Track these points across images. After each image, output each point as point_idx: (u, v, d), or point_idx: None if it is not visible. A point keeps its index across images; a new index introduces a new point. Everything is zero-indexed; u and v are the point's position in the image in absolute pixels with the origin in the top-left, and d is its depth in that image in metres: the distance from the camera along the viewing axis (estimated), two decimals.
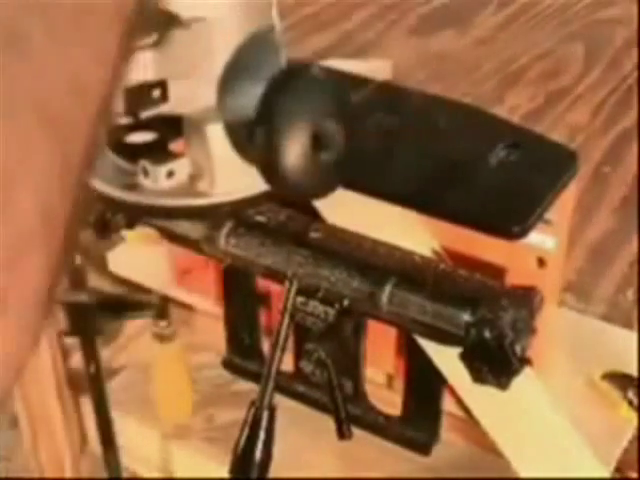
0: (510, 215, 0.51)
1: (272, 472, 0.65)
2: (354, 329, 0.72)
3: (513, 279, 0.66)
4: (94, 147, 0.31)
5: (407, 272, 0.56)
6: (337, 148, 0.47)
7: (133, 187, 0.53)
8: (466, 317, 0.60)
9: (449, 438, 0.79)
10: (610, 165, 1.29)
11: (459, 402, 0.74)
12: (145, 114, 0.50)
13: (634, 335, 0.85)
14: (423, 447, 0.77)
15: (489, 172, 0.50)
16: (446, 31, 1.73)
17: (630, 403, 0.77)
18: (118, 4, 0.32)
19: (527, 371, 0.61)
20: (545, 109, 1.45)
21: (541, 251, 0.66)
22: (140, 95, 0.49)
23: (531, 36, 1.69)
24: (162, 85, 0.50)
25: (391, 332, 0.74)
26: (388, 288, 0.62)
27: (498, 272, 0.67)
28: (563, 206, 0.65)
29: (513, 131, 0.53)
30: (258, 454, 0.64)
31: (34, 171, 0.29)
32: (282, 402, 0.68)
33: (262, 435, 0.64)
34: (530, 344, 0.60)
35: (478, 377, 0.59)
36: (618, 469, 0.76)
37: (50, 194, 0.29)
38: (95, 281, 0.93)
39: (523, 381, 0.61)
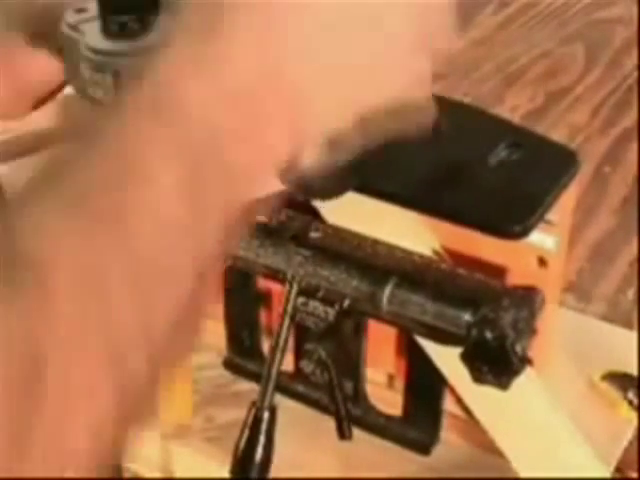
0: (511, 215, 0.51)
1: (272, 472, 0.65)
2: (354, 329, 0.72)
3: (514, 279, 0.66)
4: (153, 389, 0.34)
5: (407, 272, 0.56)
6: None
7: None
8: (467, 317, 0.60)
9: (449, 438, 0.79)
10: (610, 165, 1.29)
11: (459, 402, 0.74)
12: None
13: (634, 335, 0.85)
14: (423, 447, 0.77)
15: (490, 172, 0.50)
16: None
17: (630, 403, 0.77)
18: (196, 273, 0.35)
19: (528, 371, 0.61)
20: (545, 109, 1.44)
21: (542, 251, 0.66)
22: None
23: (531, 36, 1.69)
24: None
25: (391, 332, 0.73)
26: (388, 288, 0.62)
27: (499, 272, 0.67)
28: (564, 205, 0.65)
29: (514, 131, 0.53)
30: (258, 454, 0.64)
31: (91, 408, 0.31)
32: (282, 402, 0.68)
33: (262, 435, 0.64)
34: (531, 344, 0.60)
35: (479, 377, 0.59)
36: (618, 469, 0.76)
37: (103, 425, 0.31)
38: None
39: (524, 381, 0.61)
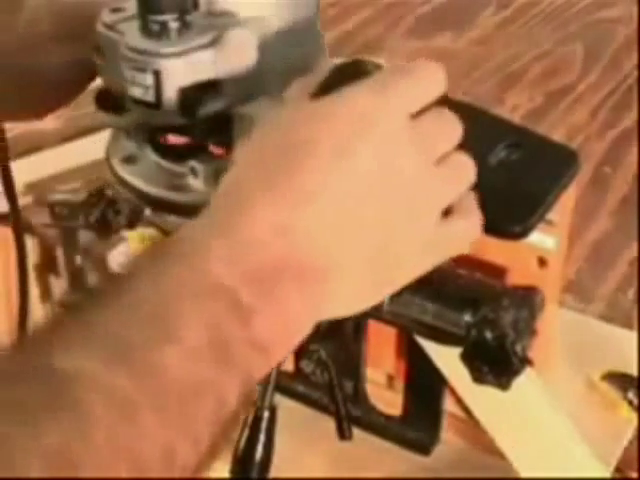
0: (511, 215, 0.51)
1: (272, 472, 0.65)
2: (355, 329, 0.72)
3: (514, 279, 0.66)
4: None
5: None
6: None
7: (181, 188, 0.53)
8: (467, 317, 0.60)
9: (449, 438, 0.79)
10: (610, 165, 1.29)
11: (459, 402, 0.74)
12: (202, 113, 0.50)
13: (634, 335, 0.85)
14: (423, 447, 0.77)
15: (490, 172, 0.50)
16: (446, 31, 1.73)
17: (630, 403, 0.77)
18: (219, 409, 0.37)
19: (528, 371, 0.61)
20: (545, 109, 1.44)
21: (542, 251, 0.66)
22: (197, 95, 0.50)
23: (531, 36, 1.69)
24: (217, 84, 0.50)
25: (391, 332, 0.74)
26: None
27: (499, 272, 0.67)
28: (564, 206, 0.65)
29: (514, 131, 0.53)
30: (258, 454, 0.64)
31: None
32: (282, 402, 0.68)
33: (262, 435, 0.63)
34: (531, 344, 0.60)
35: (478, 377, 0.59)
36: (618, 469, 0.76)
37: None
38: (95, 281, 0.93)
39: (524, 381, 0.61)
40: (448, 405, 0.76)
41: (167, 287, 0.37)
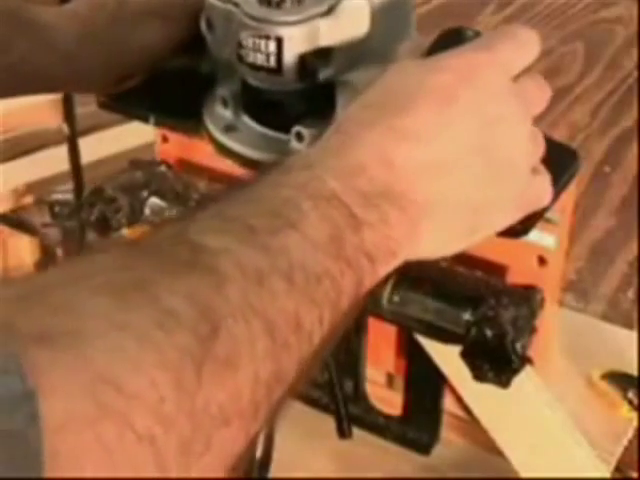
0: None
1: (272, 471, 0.65)
2: (355, 328, 0.72)
3: (514, 277, 0.66)
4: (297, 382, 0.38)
5: (407, 270, 0.55)
6: None
7: (285, 152, 0.55)
8: (467, 315, 0.60)
9: (449, 437, 0.79)
10: (610, 165, 1.29)
11: (459, 402, 0.74)
12: (321, 79, 0.54)
13: (634, 335, 0.85)
14: (423, 447, 0.77)
15: None
16: None
17: (630, 403, 0.77)
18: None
19: (528, 370, 0.61)
20: (546, 108, 1.44)
21: (542, 249, 0.66)
22: (315, 61, 0.53)
23: None
24: (330, 51, 0.53)
25: (391, 331, 0.73)
26: (388, 286, 0.62)
27: (499, 270, 0.67)
28: (564, 204, 0.65)
29: None
30: (258, 454, 0.64)
31: (250, 367, 0.35)
32: None
33: (262, 435, 0.63)
34: (531, 343, 0.60)
35: (479, 375, 0.59)
36: (618, 469, 0.75)
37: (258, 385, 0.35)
38: None
39: (524, 380, 0.61)
40: (448, 404, 0.76)
41: (287, 191, 0.40)
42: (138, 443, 0.30)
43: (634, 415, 0.77)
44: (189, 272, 0.35)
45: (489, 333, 0.58)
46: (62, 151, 1.19)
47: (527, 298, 0.60)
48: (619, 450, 0.76)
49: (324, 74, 0.54)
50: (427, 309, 0.61)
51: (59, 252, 1.08)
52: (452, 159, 0.43)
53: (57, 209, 0.96)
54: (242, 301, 0.35)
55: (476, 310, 0.59)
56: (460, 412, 0.76)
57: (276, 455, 0.65)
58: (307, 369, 0.38)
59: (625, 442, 0.76)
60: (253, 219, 0.38)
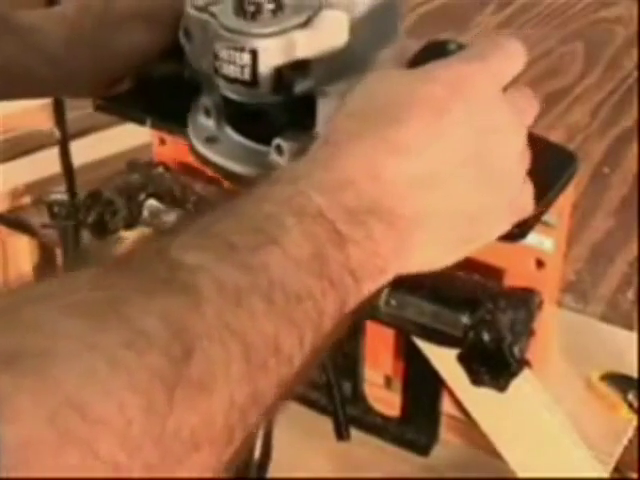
0: None
1: (271, 472, 0.65)
2: (353, 330, 0.72)
3: (511, 280, 0.66)
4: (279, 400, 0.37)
5: (405, 274, 0.55)
6: None
7: (265, 165, 0.54)
8: (464, 319, 0.60)
9: (447, 438, 0.79)
10: (610, 165, 1.29)
11: (457, 403, 0.74)
12: (297, 91, 0.53)
13: (634, 335, 0.85)
14: (421, 448, 0.77)
15: None
16: (446, 30, 1.72)
17: (630, 406, 0.77)
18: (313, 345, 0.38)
19: (526, 373, 0.61)
20: (545, 109, 1.44)
21: (540, 252, 0.66)
22: (291, 74, 0.52)
23: (531, 36, 1.69)
24: (308, 64, 0.52)
25: (389, 334, 0.74)
26: (386, 289, 0.62)
27: (496, 274, 0.67)
28: (562, 207, 0.65)
29: None
30: (257, 454, 0.64)
31: (225, 391, 0.34)
32: None
33: (261, 435, 0.64)
34: (528, 346, 0.60)
35: (476, 379, 0.59)
36: (617, 469, 0.75)
37: (233, 408, 0.34)
38: None
39: (522, 383, 0.61)
40: (446, 406, 0.76)
41: (271, 207, 0.39)
42: (101, 469, 0.29)
43: (634, 416, 0.77)
44: (165, 291, 0.34)
45: (487, 337, 0.58)
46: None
47: (525, 301, 0.60)
48: (618, 451, 0.76)
49: (302, 86, 0.53)
50: (424, 312, 0.61)
51: (58, 252, 1.08)
52: (444, 171, 0.42)
53: (56, 209, 0.96)
54: (218, 321, 0.34)
55: (474, 313, 0.59)
56: (458, 413, 0.76)
57: (275, 456, 0.65)
58: (288, 390, 0.38)
59: (625, 443, 0.76)
60: (234, 235, 0.37)
